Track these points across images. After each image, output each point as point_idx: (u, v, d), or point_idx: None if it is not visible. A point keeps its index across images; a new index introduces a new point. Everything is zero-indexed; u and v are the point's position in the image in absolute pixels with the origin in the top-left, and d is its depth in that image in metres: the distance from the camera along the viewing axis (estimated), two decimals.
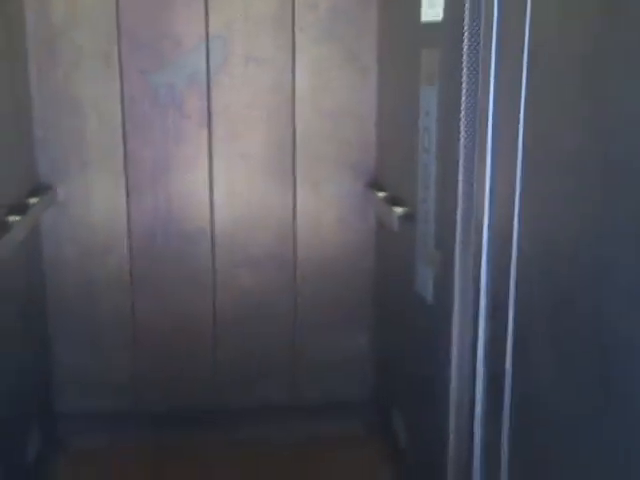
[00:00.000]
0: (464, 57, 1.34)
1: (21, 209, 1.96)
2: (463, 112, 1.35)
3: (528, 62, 1.09)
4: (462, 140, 1.35)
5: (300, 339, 2.43)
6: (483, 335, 1.27)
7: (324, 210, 2.37)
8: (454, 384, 1.41)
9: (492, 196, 1.24)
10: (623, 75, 0.85)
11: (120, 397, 2.38)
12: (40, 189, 2.20)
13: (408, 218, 1.92)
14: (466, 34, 1.34)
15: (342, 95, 2.30)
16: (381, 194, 2.18)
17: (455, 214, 1.39)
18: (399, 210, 1.98)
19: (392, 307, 2.23)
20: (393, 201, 2.08)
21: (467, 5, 1.34)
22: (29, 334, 2.15)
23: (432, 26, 1.67)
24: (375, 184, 2.31)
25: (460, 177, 1.36)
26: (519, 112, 1.13)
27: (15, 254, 1.88)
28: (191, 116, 2.25)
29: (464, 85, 1.34)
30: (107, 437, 2.33)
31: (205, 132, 2.26)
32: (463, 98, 1.35)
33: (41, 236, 2.26)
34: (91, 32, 2.17)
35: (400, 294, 2.05)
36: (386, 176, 2.27)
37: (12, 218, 1.86)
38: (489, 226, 1.25)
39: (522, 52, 1.09)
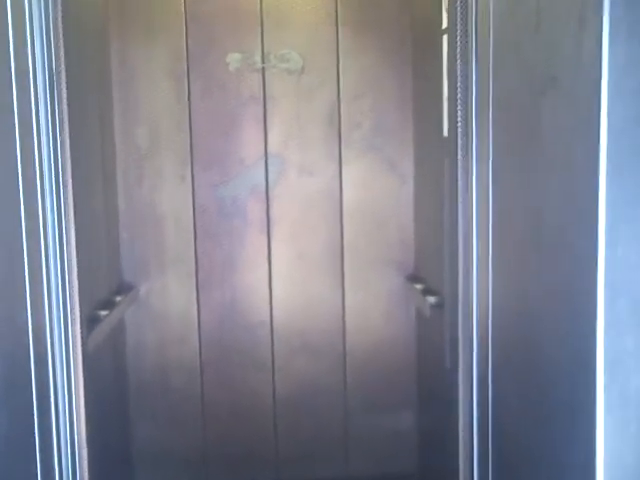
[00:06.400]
0: (458, 169, 1.63)
1: (109, 305, 2.31)
2: (461, 219, 1.63)
3: (492, 178, 1.38)
4: (460, 242, 1.62)
5: (351, 417, 2.69)
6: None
7: (370, 302, 2.65)
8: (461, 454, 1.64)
9: (479, 282, 1.50)
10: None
11: (190, 470, 2.66)
12: (124, 286, 2.56)
13: (438, 306, 2.19)
14: (459, 149, 1.63)
15: (383, 200, 2.62)
16: (418, 286, 2.46)
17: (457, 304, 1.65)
18: (431, 299, 2.26)
19: (431, 385, 2.46)
20: (429, 292, 2.36)
21: (459, 124, 1.64)
22: (113, 413, 2.46)
23: (447, 140, 1.98)
24: (414, 277, 2.59)
25: (460, 275, 1.63)
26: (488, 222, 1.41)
27: (104, 343, 2.22)
28: (253, 223, 2.61)
29: (459, 191, 1.62)
30: None
31: (265, 236, 2.61)
32: (459, 204, 1.63)
33: (125, 327, 2.60)
34: (169, 154, 2.57)
35: (436, 373, 2.28)
36: (423, 270, 2.54)
37: (102, 312, 2.19)
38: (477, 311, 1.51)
39: (488, 162, 1.38)
